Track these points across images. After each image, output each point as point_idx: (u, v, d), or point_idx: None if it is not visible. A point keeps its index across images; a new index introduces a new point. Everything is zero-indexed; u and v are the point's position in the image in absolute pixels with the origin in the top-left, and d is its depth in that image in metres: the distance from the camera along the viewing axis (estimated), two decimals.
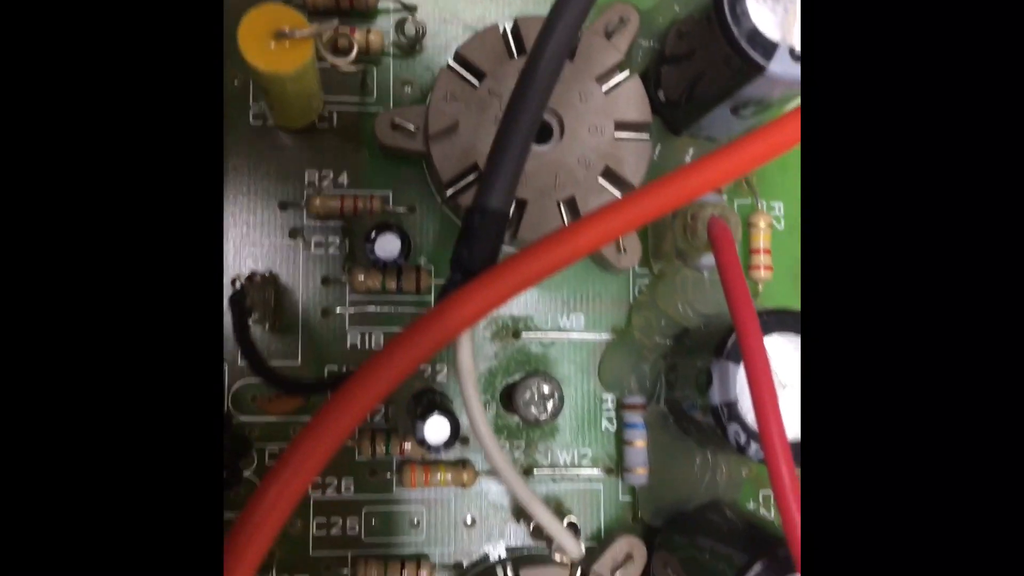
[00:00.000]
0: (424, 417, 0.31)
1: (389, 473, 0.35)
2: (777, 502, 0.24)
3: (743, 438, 0.29)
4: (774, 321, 0.29)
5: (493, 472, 0.35)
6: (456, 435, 0.31)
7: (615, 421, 0.36)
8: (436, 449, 0.31)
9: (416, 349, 0.25)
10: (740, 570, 0.27)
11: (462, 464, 0.35)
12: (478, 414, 0.26)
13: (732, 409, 0.29)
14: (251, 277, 0.33)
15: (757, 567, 0.26)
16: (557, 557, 0.30)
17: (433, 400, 0.32)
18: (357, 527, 0.35)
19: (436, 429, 0.31)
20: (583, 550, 0.30)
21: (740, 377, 0.29)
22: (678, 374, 0.33)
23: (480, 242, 0.26)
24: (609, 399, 0.36)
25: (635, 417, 0.35)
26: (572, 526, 0.34)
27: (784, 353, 0.29)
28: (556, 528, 0.28)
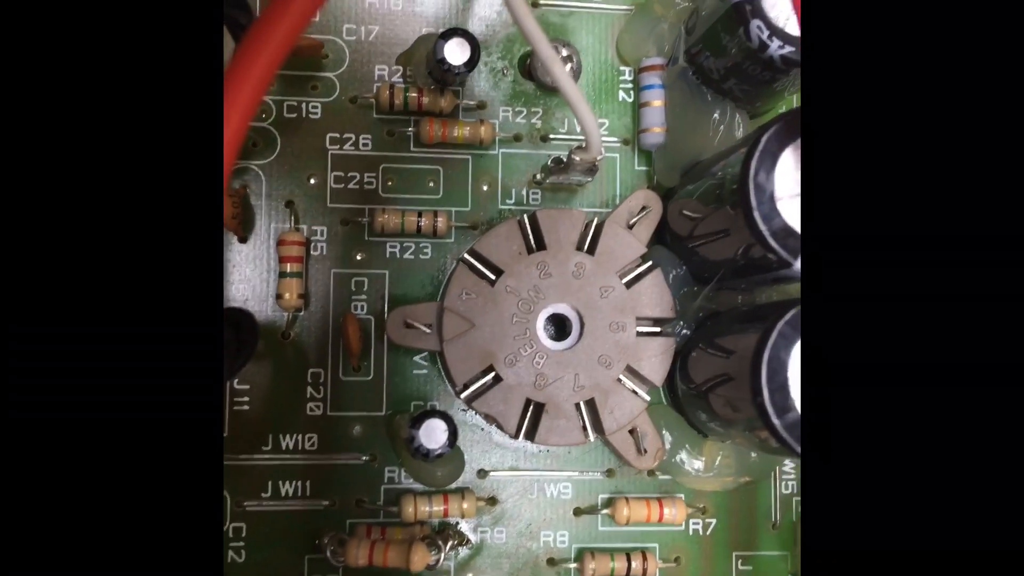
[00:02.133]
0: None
1: (408, 129, 0.35)
2: None
3: (765, 33, 0.29)
4: None
5: (509, 138, 0.35)
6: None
7: (632, 93, 0.36)
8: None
9: None
10: (755, 140, 0.27)
11: (480, 121, 0.35)
12: None
13: (755, 4, 0.29)
14: None
15: (773, 128, 0.26)
16: (577, 157, 0.30)
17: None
18: (375, 183, 0.35)
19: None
20: (603, 153, 0.30)
21: None
22: (698, 15, 0.33)
23: None
24: (627, 71, 0.36)
25: (653, 78, 0.35)
26: None
27: None
28: (589, 119, 0.28)
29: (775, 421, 0.26)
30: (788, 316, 0.26)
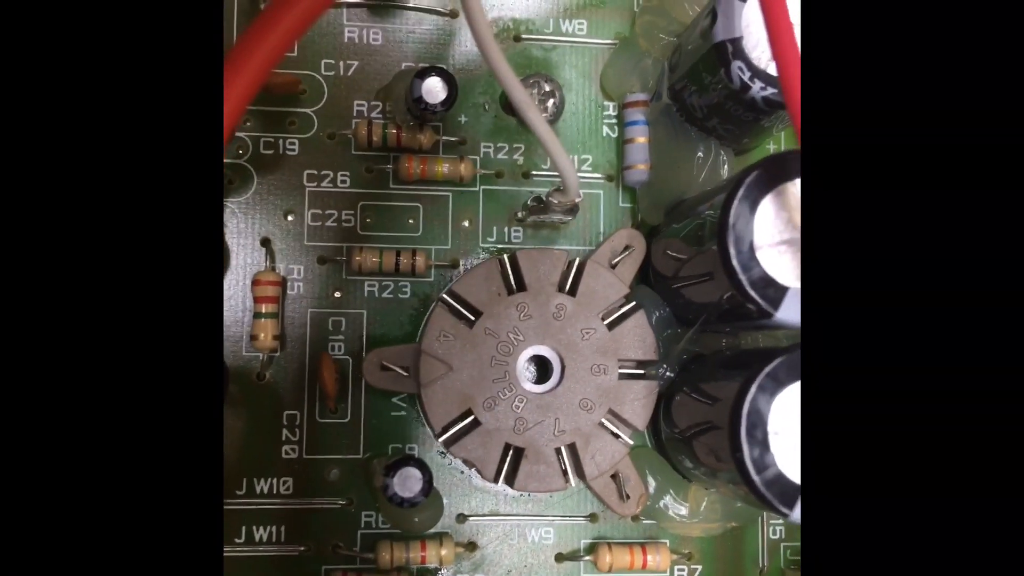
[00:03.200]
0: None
1: (387, 166, 0.34)
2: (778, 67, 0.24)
3: (747, 75, 0.28)
4: None
5: (490, 175, 0.35)
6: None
7: (616, 128, 0.36)
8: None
9: None
10: (734, 186, 0.26)
11: (460, 158, 0.34)
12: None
13: (736, 45, 0.28)
14: None
15: (753, 174, 0.26)
16: (554, 200, 0.30)
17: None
18: (353, 220, 0.34)
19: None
20: (581, 195, 0.30)
21: (744, 14, 0.28)
22: (681, 52, 0.32)
23: None
24: (611, 107, 0.36)
25: (637, 114, 0.34)
26: None
27: None
28: (565, 164, 0.27)
29: (755, 478, 0.25)
30: (769, 368, 0.25)
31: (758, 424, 0.25)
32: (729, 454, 0.26)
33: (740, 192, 0.26)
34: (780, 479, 0.25)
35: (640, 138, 0.34)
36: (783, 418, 0.25)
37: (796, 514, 0.25)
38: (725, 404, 0.27)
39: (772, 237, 0.26)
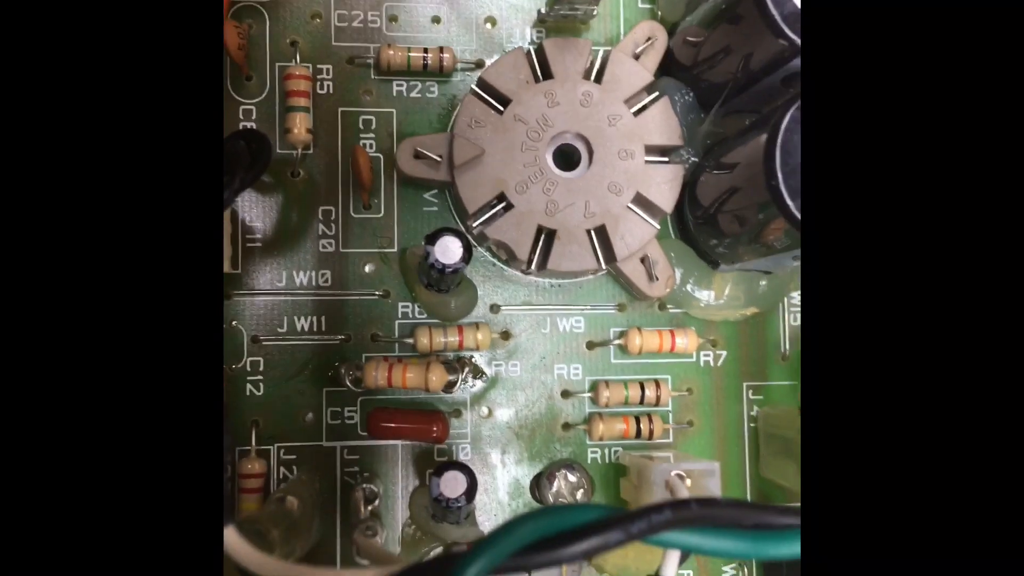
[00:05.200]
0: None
1: None
2: None
3: None
4: None
5: None
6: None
7: None
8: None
9: None
10: None
11: None
12: None
13: None
14: None
15: None
16: None
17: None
18: (379, 21, 0.35)
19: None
20: None
21: None
22: None
23: None
24: None
25: None
26: None
27: None
28: None
29: (789, 203, 0.26)
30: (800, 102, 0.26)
31: (792, 153, 0.26)
32: (764, 183, 0.27)
33: None
34: None
35: None
36: None
37: None
38: (754, 157, 0.28)
39: None
